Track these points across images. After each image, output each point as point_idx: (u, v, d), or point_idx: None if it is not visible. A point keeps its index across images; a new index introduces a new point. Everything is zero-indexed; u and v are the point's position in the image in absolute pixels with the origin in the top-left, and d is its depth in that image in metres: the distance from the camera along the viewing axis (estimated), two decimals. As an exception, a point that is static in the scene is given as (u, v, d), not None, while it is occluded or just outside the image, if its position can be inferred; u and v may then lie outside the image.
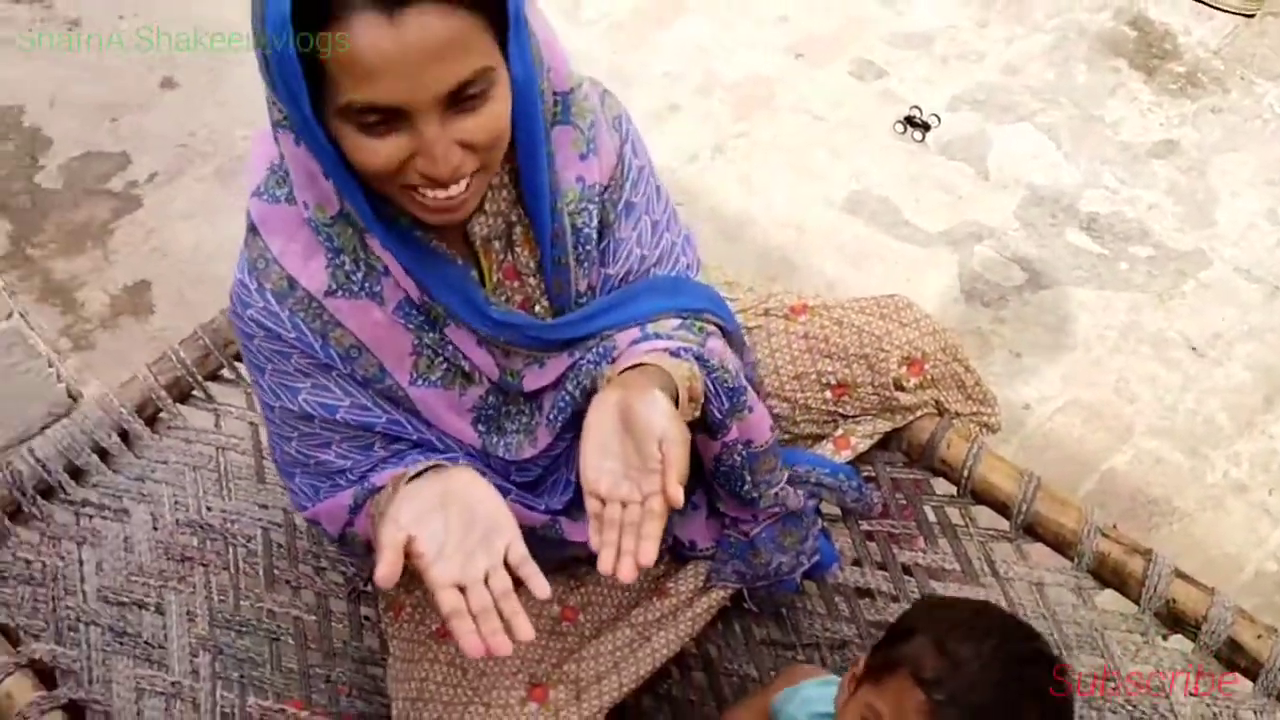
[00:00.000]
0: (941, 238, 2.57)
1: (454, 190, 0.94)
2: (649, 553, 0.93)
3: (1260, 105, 2.78)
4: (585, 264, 1.13)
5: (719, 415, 1.19)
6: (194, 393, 1.68)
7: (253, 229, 1.05)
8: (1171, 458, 2.16)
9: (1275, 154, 2.67)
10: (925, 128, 2.76)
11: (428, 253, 1.05)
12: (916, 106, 2.78)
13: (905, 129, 2.78)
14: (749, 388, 1.24)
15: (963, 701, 0.95)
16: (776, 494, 1.38)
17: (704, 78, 2.97)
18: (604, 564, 0.94)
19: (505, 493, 1.18)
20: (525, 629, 0.91)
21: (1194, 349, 2.33)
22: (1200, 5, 3.03)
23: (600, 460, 0.98)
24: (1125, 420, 2.23)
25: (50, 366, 2.27)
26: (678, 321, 1.19)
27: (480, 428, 1.19)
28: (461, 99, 0.89)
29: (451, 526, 0.96)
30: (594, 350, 1.15)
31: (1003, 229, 2.58)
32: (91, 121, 2.98)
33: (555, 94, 1.03)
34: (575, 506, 1.26)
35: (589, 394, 1.14)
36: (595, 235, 1.12)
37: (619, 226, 1.15)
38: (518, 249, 1.11)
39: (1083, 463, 2.16)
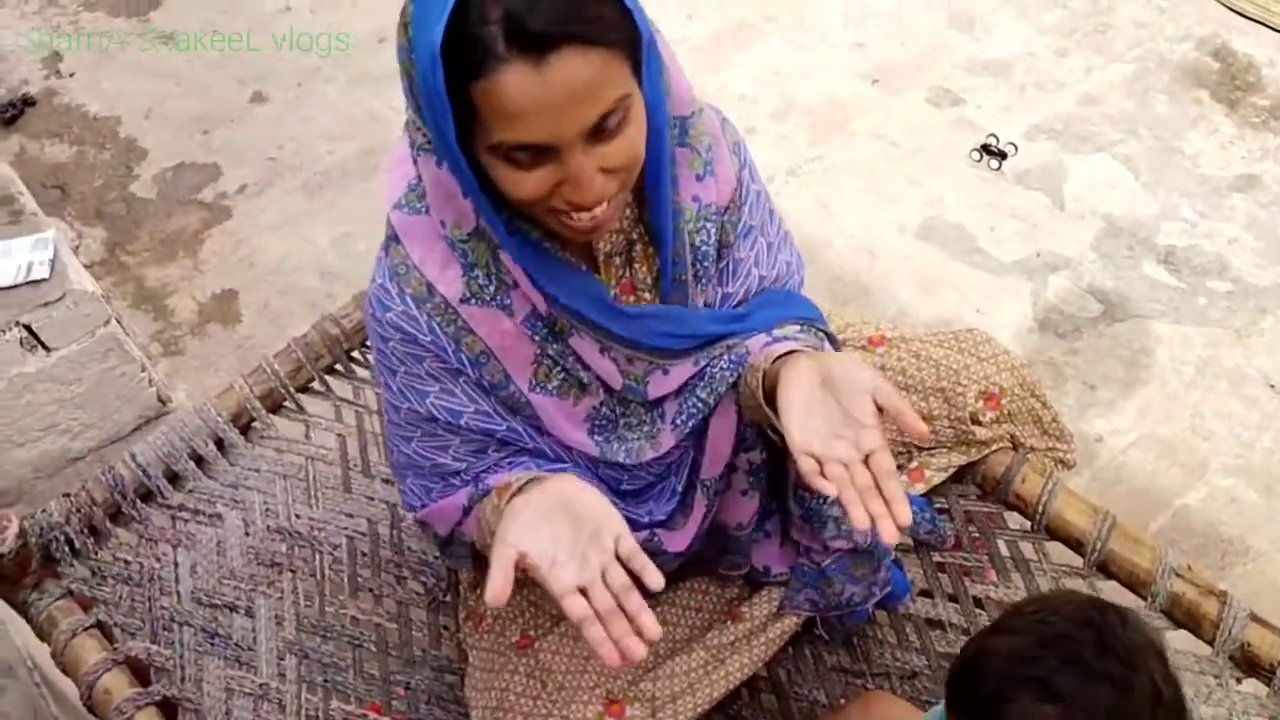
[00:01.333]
0: (1016, 267, 2.57)
1: (597, 212, 0.99)
2: (904, 514, 0.95)
3: (1346, 140, 2.74)
4: (703, 281, 1.17)
5: None
6: (285, 404, 1.75)
7: (394, 238, 1.11)
8: (1246, 496, 2.14)
9: (1360, 190, 2.63)
10: (1002, 156, 2.76)
11: (557, 264, 1.09)
12: (993, 134, 2.78)
13: (981, 157, 2.79)
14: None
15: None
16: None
17: (780, 101, 3.00)
18: (859, 520, 0.95)
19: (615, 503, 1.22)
20: (652, 627, 0.93)
21: (1272, 386, 2.30)
22: (1286, 37, 2.99)
23: (805, 419, 1.00)
24: (1200, 457, 2.21)
25: (143, 371, 2.36)
26: (798, 327, 1.23)
27: (596, 436, 1.22)
28: (603, 127, 0.93)
29: (560, 533, 0.99)
30: (725, 358, 1.19)
31: (1078, 259, 2.57)
32: (184, 133, 3.09)
33: (675, 118, 1.07)
34: (678, 514, 1.29)
35: (720, 399, 1.18)
36: (714, 253, 1.16)
37: (738, 247, 1.18)
38: (636, 264, 1.15)
39: (1155, 498, 2.14)
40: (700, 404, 1.20)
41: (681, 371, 1.19)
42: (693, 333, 1.18)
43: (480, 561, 1.24)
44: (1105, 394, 2.32)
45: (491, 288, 1.11)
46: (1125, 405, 2.30)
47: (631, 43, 0.94)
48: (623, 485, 1.28)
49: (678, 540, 1.30)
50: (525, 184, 0.95)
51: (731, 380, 1.19)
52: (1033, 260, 2.57)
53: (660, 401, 1.22)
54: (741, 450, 1.25)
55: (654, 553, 1.29)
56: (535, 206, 0.99)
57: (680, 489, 1.28)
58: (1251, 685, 1.43)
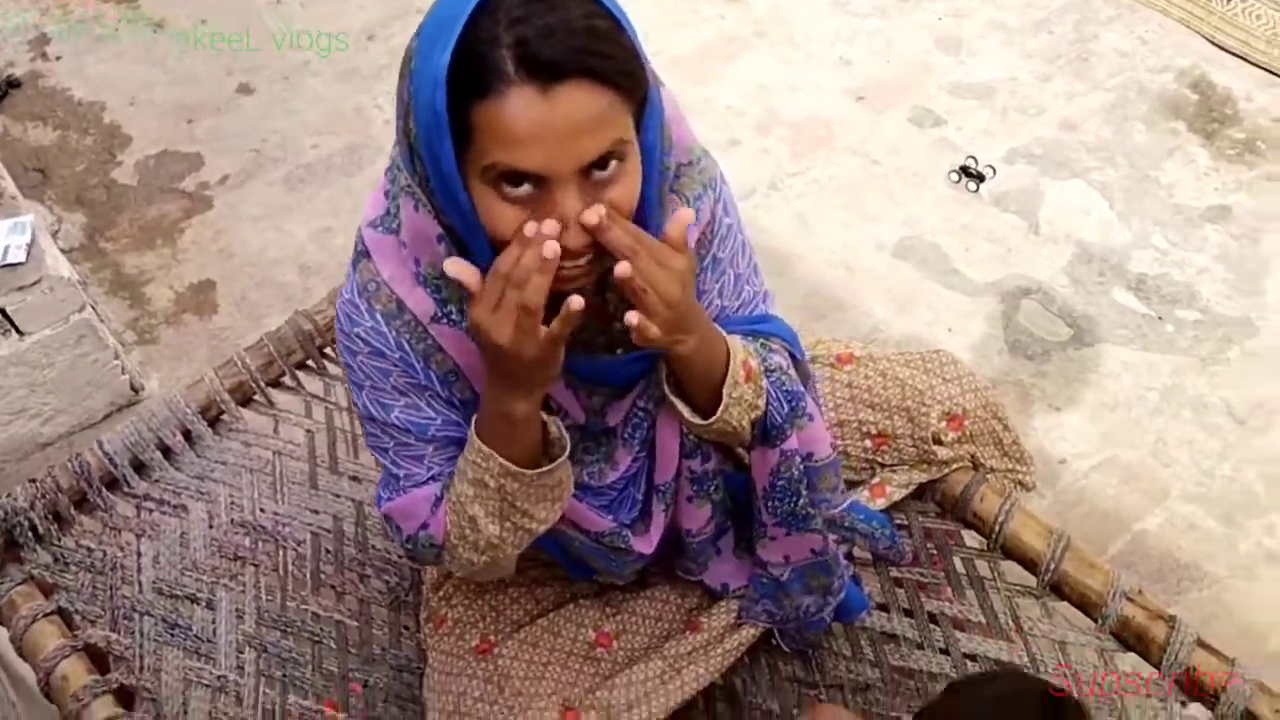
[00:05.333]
0: (989, 288, 2.60)
1: (580, 260, 1.00)
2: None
3: (1317, 176, 2.78)
4: None
5: (778, 419, 1.22)
6: (255, 398, 1.75)
7: (365, 254, 1.12)
8: (1205, 524, 2.17)
9: (1330, 226, 2.67)
10: (980, 178, 2.79)
11: None
12: (973, 156, 2.81)
13: (960, 178, 2.82)
14: (809, 396, 1.27)
15: None
16: (832, 519, 1.41)
17: (765, 115, 3.02)
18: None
19: (578, 499, 1.24)
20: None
21: (1235, 416, 2.34)
22: (1264, 72, 3.03)
23: None
24: (1161, 483, 2.24)
25: (116, 359, 2.37)
26: (745, 338, 1.23)
27: None
28: (599, 169, 0.95)
29: None
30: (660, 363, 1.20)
31: (1050, 284, 2.60)
32: (169, 121, 3.09)
33: (677, 164, 1.10)
34: (639, 522, 1.31)
35: (659, 405, 1.20)
36: None
37: (703, 279, 1.20)
38: (609, 294, 1.16)
39: (1115, 522, 2.17)
40: (643, 413, 1.21)
41: (634, 394, 1.21)
42: (650, 366, 1.20)
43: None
44: (1070, 417, 2.35)
45: (465, 323, 1.12)
46: (1090, 429, 2.33)
47: (637, 91, 0.96)
48: (586, 500, 1.29)
49: (643, 543, 1.32)
50: (510, 218, 0.96)
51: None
52: (1006, 282, 2.60)
53: (613, 426, 1.24)
54: (684, 457, 1.27)
55: (623, 549, 1.30)
56: None
57: (640, 497, 1.30)
58: (1196, 709, 1.45)
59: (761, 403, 1.19)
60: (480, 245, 1.01)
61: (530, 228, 0.95)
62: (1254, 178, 2.79)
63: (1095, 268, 2.63)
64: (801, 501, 1.32)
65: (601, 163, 0.95)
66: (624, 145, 0.96)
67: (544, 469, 1.12)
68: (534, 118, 0.90)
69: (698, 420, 1.16)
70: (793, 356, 1.27)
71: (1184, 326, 2.50)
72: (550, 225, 0.94)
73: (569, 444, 1.14)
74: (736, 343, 1.16)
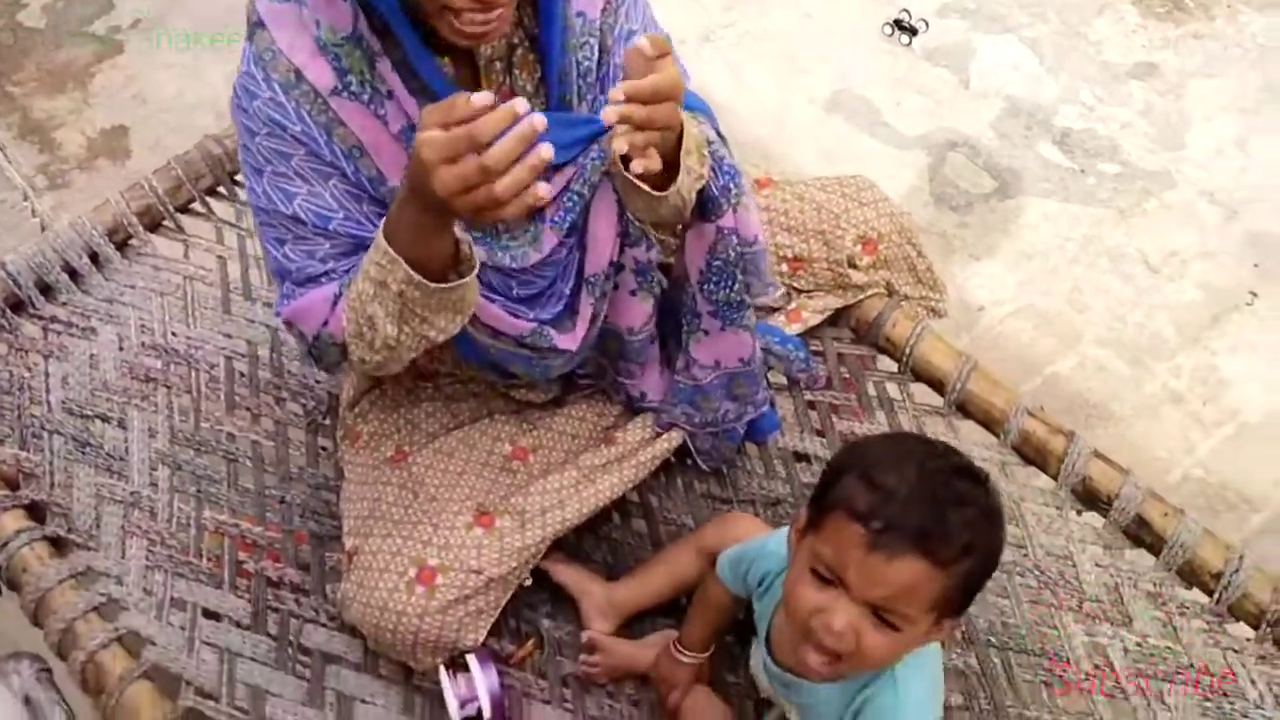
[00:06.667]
0: (917, 141, 2.60)
1: (493, 15, 0.98)
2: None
3: (1242, 35, 2.79)
4: (588, 97, 1.18)
5: (714, 190, 1.22)
6: (165, 223, 1.72)
7: (259, 24, 1.08)
8: (1114, 366, 2.23)
9: (1251, 83, 2.70)
10: (913, 32, 2.77)
11: (435, 70, 1.07)
12: (906, 10, 2.79)
13: (893, 32, 2.79)
14: (744, 174, 1.26)
15: (897, 524, 0.98)
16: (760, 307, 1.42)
17: (696, -36, 2.96)
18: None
19: (492, 302, 1.21)
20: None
21: (1149, 265, 2.39)
22: (1196, -69, 3.02)
23: None
24: (1075, 328, 2.29)
25: (25, 200, 2.30)
26: None
27: (480, 247, 1.19)
28: None
29: None
30: (595, 148, 1.17)
31: (978, 137, 2.61)
32: (76, -37, 2.94)
33: None
34: (565, 317, 1.29)
35: (594, 190, 1.19)
36: (595, 67, 1.16)
37: (616, 52, 1.18)
38: (517, 71, 1.14)
39: (1029, 364, 2.23)
40: (576, 198, 1.20)
41: (561, 178, 1.19)
42: (571, 141, 1.17)
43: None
44: (990, 266, 2.39)
45: (366, 95, 1.09)
46: (1008, 277, 2.37)
47: None
48: (514, 291, 1.27)
49: (568, 340, 1.29)
50: None
51: (603, 169, 1.19)
52: (934, 135, 2.61)
53: (541, 207, 1.22)
54: (627, 246, 1.26)
55: (543, 349, 1.28)
56: (431, 2, 0.97)
57: (568, 291, 1.28)
58: (1090, 517, 1.51)
59: (705, 172, 1.18)
60: (389, 4, 0.99)
61: (521, 104, 0.90)
62: (1180, 35, 2.80)
63: (1022, 122, 2.64)
64: (737, 286, 1.31)
65: None
66: None
67: (449, 284, 1.07)
68: None
69: (659, 194, 1.12)
70: (717, 134, 1.26)
71: (1105, 179, 2.53)
72: (540, 119, 0.90)
73: (478, 264, 1.10)
74: (690, 118, 1.13)
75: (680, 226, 1.30)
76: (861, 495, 1.00)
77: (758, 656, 1.28)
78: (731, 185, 1.24)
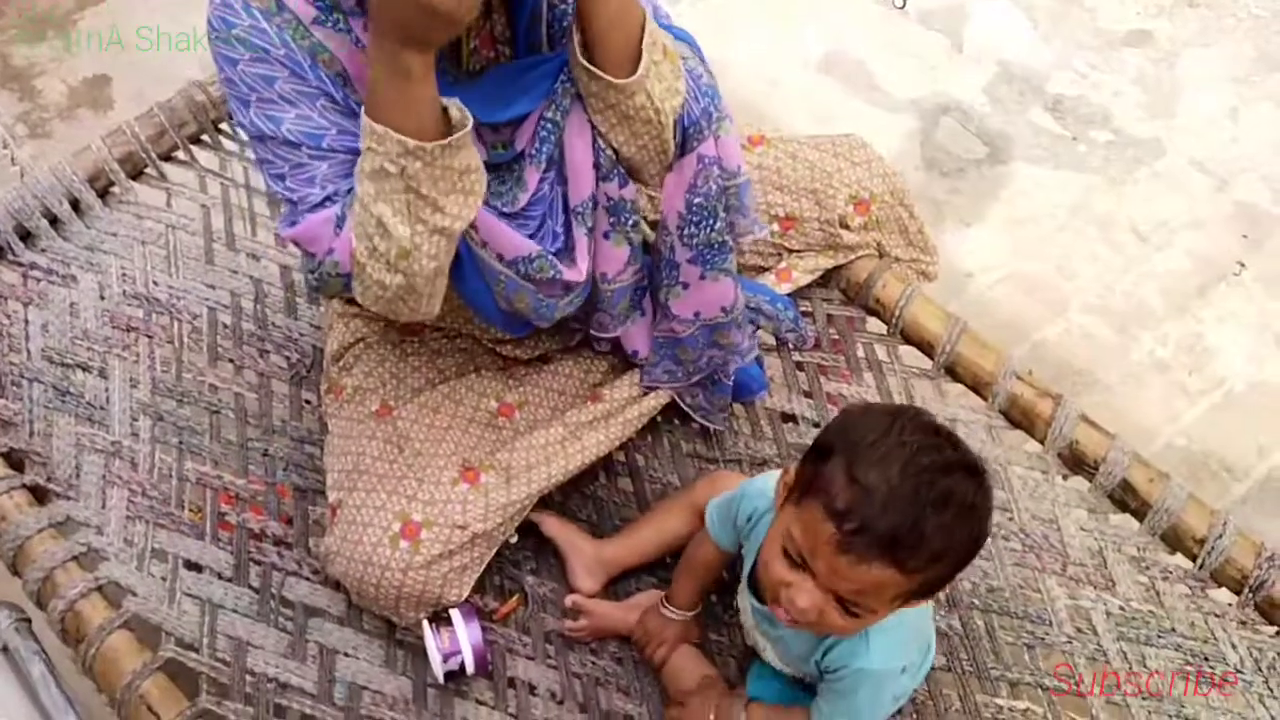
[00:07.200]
0: (910, 105, 2.58)
1: None
2: None
3: (1237, 4, 2.78)
4: (561, 41, 1.16)
5: (695, 112, 1.20)
6: (147, 170, 1.69)
7: None
8: (1101, 334, 2.24)
9: (1245, 53, 2.68)
10: (907, -6, 2.75)
11: None
12: (901, -29, 2.76)
13: (887, -6, 2.77)
14: (723, 99, 1.24)
15: (870, 528, 0.96)
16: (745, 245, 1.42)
17: (690, -79, 2.92)
18: None
19: (496, 220, 1.18)
20: None
21: (1139, 234, 2.38)
22: (1195, -102, 3.00)
23: None
24: (1063, 295, 2.29)
25: (4, 148, 2.26)
26: None
27: None
28: None
29: None
30: (563, 76, 1.16)
31: (970, 103, 2.59)
32: (57, -94, 2.88)
33: None
34: (564, 254, 1.26)
35: (566, 113, 1.16)
36: (571, 9, 1.13)
37: None
38: (495, 15, 1.12)
39: (1016, 331, 2.22)
40: (550, 125, 1.18)
41: (540, 108, 1.18)
42: (539, 79, 1.15)
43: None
44: (980, 232, 2.38)
45: (351, 36, 1.08)
46: (998, 243, 2.36)
47: None
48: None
49: (573, 272, 1.26)
50: None
51: (574, 91, 1.17)
52: (927, 100, 2.59)
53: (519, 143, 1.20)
54: (600, 180, 1.23)
55: (550, 281, 1.25)
56: None
57: (560, 228, 1.25)
58: (1075, 482, 1.51)
59: (681, 86, 1.16)
60: None
61: None
62: (1176, 3, 2.78)
63: (1015, 88, 2.62)
64: (719, 225, 1.28)
65: None
66: None
67: (446, 140, 1.02)
68: None
69: (620, 81, 1.10)
70: (700, 60, 1.25)
71: (1096, 147, 2.52)
72: None
73: (470, 120, 1.05)
74: (649, 13, 1.12)
75: (660, 163, 1.25)
76: (840, 491, 0.98)
77: (744, 597, 1.27)
78: (712, 108, 1.22)
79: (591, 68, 1.11)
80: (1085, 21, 2.75)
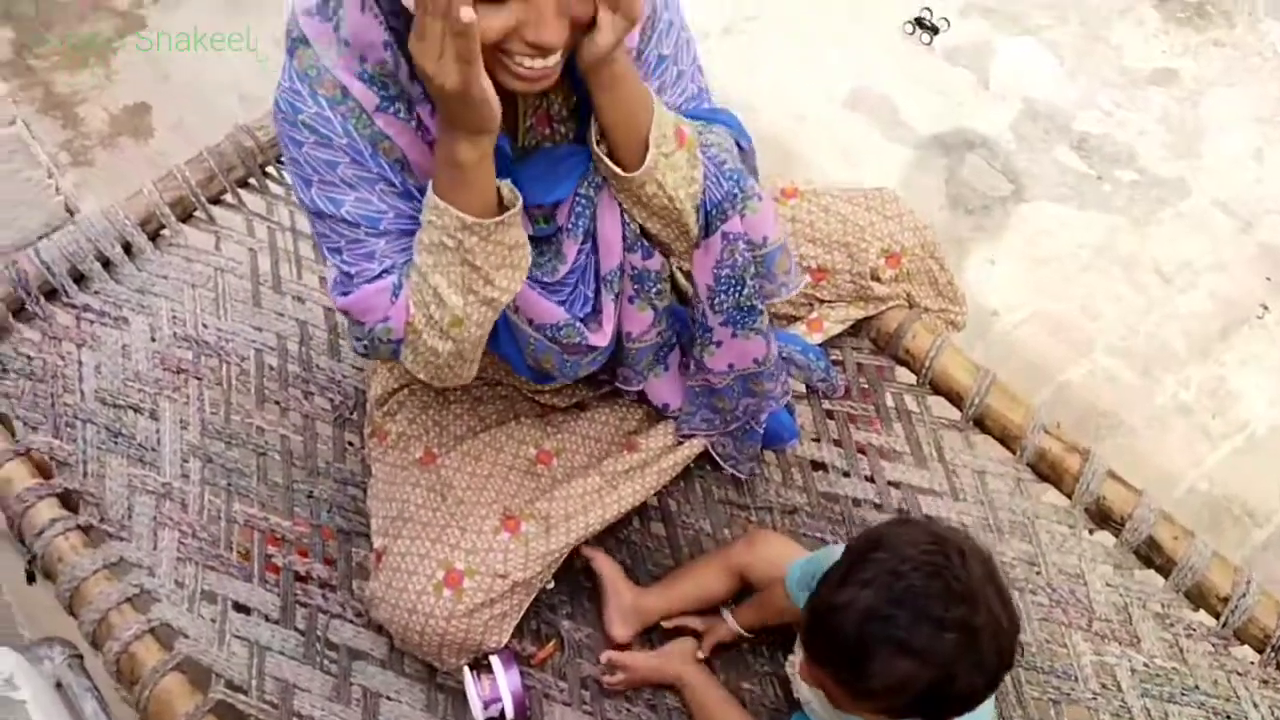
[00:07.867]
0: (935, 141, 2.62)
1: (550, 60, 1.01)
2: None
3: (1263, 44, 2.80)
4: None
5: (717, 195, 1.23)
6: (196, 213, 1.73)
7: (302, 41, 1.09)
8: (1125, 376, 2.26)
9: (1270, 93, 2.71)
10: (934, 30, 2.77)
11: None
12: (927, 8, 2.79)
13: (914, 30, 2.80)
14: (756, 182, 1.28)
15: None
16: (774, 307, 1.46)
17: (719, -43, 2.95)
18: None
19: (534, 290, 1.24)
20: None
21: (1162, 275, 2.41)
22: (1221, -64, 3.02)
23: None
24: (1087, 336, 2.32)
25: (50, 178, 2.31)
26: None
27: None
28: None
29: None
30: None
31: (996, 139, 2.62)
32: (99, -65, 2.93)
33: None
34: (591, 319, 1.31)
35: (599, 189, 1.21)
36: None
37: (644, 73, 1.19)
38: (552, 95, 1.16)
39: (1041, 372, 2.25)
40: (585, 200, 1.22)
41: (576, 185, 1.22)
42: (578, 167, 1.20)
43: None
44: (1004, 270, 2.41)
45: (413, 124, 1.12)
46: (1022, 282, 2.39)
47: None
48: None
49: (598, 336, 1.31)
50: (491, 22, 0.96)
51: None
52: (952, 136, 2.62)
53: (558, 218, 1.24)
54: (625, 251, 1.27)
55: (578, 346, 1.30)
56: (487, 50, 0.99)
57: (590, 293, 1.29)
58: (1102, 536, 1.54)
59: (698, 175, 1.20)
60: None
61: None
62: (1201, 42, 2.81)
63: (1040, 125, 2.65)
64: (747, 291, 1.31)
65: None
66: None
67: (499, 218, 1.10)
68: None
69: (625, 174, 1.16)
70: (738, 144, 1.28)
71: (1121, 186, 2.54)
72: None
73: (521, 200, 1.13)
74: (664, 106, 1.16)
75: (685, 243, 1.30)
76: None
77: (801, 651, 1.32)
78: (736, 190, 1.25)
79: (604, 158, 1.17)
80: (1111, 59, 2.78)
